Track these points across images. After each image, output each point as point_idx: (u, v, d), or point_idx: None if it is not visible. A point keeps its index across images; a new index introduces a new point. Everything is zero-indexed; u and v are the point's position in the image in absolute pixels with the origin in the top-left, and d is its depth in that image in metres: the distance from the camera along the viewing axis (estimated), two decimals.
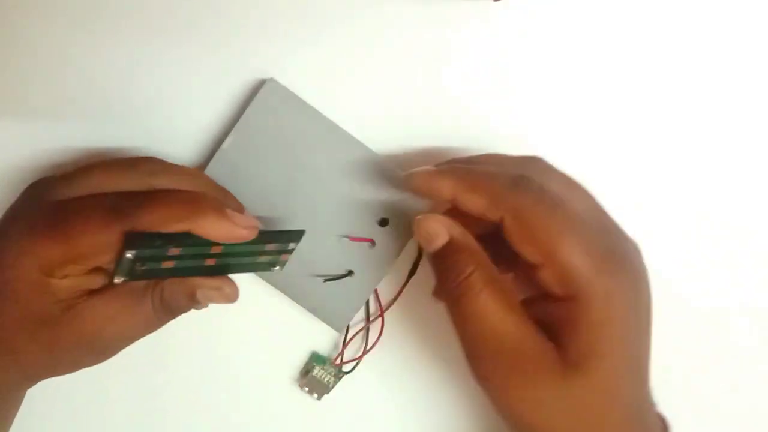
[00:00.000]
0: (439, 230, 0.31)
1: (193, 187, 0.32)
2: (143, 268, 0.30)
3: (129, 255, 0.29)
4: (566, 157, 0.38)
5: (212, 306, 0.37)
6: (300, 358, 0.39)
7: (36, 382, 0.34)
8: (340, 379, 0.38)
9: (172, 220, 0.29)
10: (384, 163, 0.36)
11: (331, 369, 0.38)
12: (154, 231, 0.29)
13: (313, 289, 0.37)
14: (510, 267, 0.33)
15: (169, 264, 0.31)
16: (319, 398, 0.38)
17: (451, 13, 0.37)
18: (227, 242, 0.31)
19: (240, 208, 0.34)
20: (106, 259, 0.30)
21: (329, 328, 0.37)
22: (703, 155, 0.38)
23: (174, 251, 0.30)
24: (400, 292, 0.37)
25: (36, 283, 0.29)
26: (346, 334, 0.38)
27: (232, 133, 0.36)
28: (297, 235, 0.33)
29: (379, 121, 0.37)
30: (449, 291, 0.31)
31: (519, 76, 0.37)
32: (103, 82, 0.36)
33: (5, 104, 0.36)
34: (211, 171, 0.36)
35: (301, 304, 0.37)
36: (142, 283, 0.32)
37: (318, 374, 0.38)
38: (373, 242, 0.37)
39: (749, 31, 0.37)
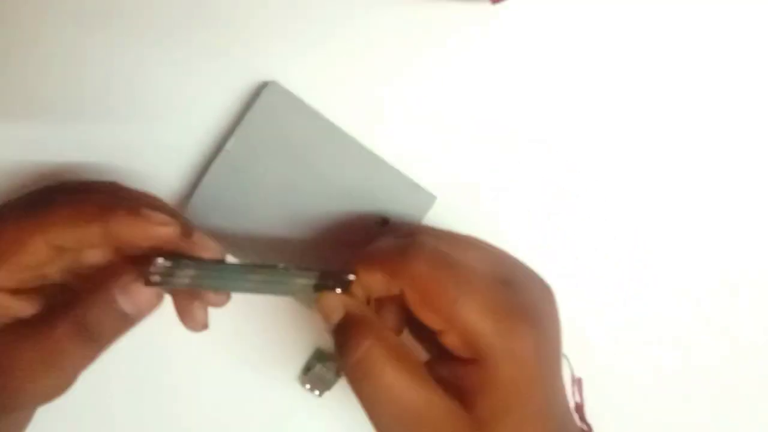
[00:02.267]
0: (335, 305, 0.30)
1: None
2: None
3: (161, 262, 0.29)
4: (565, 157, 0.38)
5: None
6: (302, 355, 0.39)
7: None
8: (341, 376, 0.39)
9: (81, 221, 0.29)
10: (385, 165, 0.37)
11: (333, 366, 0.39)
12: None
13: None
14: (421, 331, 0.32)
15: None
16: (320, 395, 0.39)
17: (451, 15, 0.37)
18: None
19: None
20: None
21: None
22: (706, 162, 0.38)
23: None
24: None
25: None
26: None
27: (234, 135, 0.36)
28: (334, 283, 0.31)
29: (380, 123, 0.37)
30: (350, 366, 0.29)
31: (518, 78, 0.37)
32: (104, 84, 0.37)
33: (5, 105, 0.37)
34: (214, 173, 0.36)
35: (301, 303, 0.38)
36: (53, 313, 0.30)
37: (320, 371, 0.39)
38: None
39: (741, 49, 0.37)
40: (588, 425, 0.33)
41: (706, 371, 0.39)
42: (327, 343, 0.39)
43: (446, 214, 0.37)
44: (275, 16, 0.37)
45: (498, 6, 0.36)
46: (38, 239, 0.29)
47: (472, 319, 0.28)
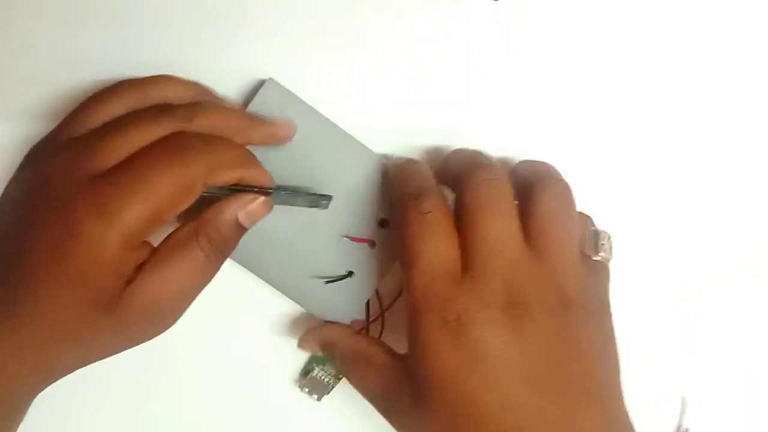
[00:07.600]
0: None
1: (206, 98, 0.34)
2: None
3: None
4: (566, 157, 0.38)
5: (212, 307, 0.37)
6: (300, 359, 0.39)
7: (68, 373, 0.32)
8: (340, 379, 0.38)
9: (237, 164, 0.31)
10: (384, 164, 0.36)
11: (331, 370, 0.38)
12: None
13: (314, 290, 0.37)
14: None
15: None
16: (318, 399, 0.38)
17: (452, 13, 0.37)
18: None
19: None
20: (186, 206, 0.30)
21: None
22: (707, 162, 0.38)
23: None
24: (401, 292, 0.37)
25: (113, 262, 0.28)
26: None
27: None
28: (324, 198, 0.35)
29: (379, 121, 0.37)
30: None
31: (519, 77, 0.37)
32: (101, 83, 0.36)
33: (2, 105, 0.36)
34: None
35: (301, 305, 0.37)
36: (183, 235, 0.31)
37: (318, 375, 0.38)
38: (373, 243, 0.37)
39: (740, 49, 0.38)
40: None
41: (713, 365, 0.39)
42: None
43: None
44: (273, 13, 0.36)
45: (500, 3, 0.36)
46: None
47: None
